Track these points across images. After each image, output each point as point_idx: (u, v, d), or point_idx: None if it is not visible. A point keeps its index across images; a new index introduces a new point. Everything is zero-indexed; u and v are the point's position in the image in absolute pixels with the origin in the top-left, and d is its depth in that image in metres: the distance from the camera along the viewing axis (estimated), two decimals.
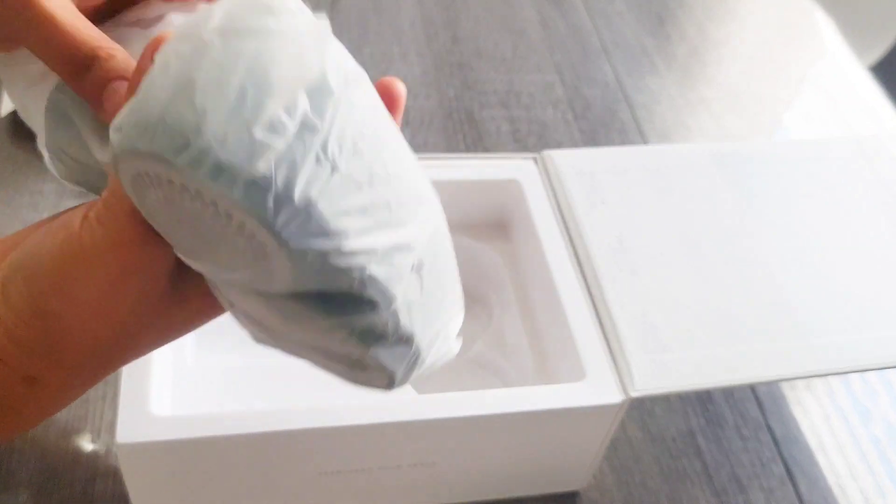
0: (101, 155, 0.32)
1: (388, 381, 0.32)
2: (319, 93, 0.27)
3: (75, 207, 0.30)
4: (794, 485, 0.55)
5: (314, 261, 0.26)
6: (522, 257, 0.56)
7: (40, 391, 0.30)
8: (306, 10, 0.29)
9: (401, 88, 0.34)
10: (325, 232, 0.26)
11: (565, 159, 0.57)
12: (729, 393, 0.59)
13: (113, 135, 0.26)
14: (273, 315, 0.30)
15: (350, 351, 0.30)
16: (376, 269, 0.27)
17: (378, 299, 0.28)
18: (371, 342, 0.30)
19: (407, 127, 0.74)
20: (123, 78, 0.31)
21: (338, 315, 0.29)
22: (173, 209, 0.26)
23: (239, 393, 0.48)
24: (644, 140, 0.76)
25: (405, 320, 0.30)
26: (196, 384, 0.48)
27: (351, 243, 0.26)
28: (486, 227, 0.58)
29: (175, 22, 0.34)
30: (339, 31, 0.82)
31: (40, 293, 0.29)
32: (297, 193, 0.25)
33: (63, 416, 0.52)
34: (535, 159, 0.57)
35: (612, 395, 0.45)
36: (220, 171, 0.25)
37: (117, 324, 0.30)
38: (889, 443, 0.59)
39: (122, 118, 0.26)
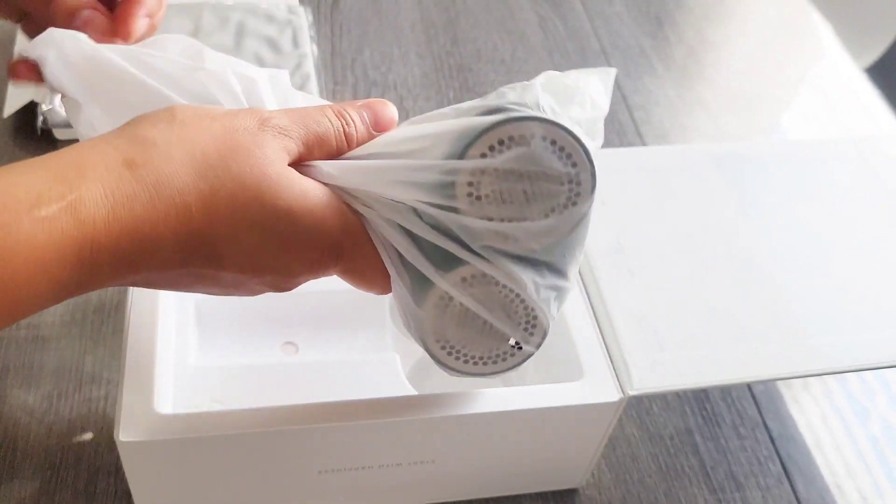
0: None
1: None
2: None
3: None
4: (791, 483, 0.55)
5: None
6: None
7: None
8: None
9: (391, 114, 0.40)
10: None
11: None
12: (726, 391, 0.60)
13: None
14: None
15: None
16: None
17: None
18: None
19: None
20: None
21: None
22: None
23: (240, 392, 0.49)
24: (642, 141, 0.77)
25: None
26: (198, 383, 0.48)
27: None
28: None
29: None
30: (340, 32, 0.83)
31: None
32: None
33: (66, 414, 0.52)
34: None
35: (609, 394, 0.46)
36: None
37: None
38: (886, 442, 0.59)
39: None
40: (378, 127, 0.38)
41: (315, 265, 0.36)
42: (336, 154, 0.37)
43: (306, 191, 0.35)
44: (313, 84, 0.74)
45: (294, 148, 0.36)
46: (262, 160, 0.34)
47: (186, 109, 0.35)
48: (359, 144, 0.38)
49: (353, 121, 0.38)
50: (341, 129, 0.37)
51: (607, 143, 0.76)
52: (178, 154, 0.33)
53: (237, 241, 0.34)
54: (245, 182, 0.33)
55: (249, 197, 0.33)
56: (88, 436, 0.51)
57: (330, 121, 0.37)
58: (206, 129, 0.34)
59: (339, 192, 0.37)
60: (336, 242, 0.36)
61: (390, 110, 0.39)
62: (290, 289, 0.38)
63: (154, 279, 0.34)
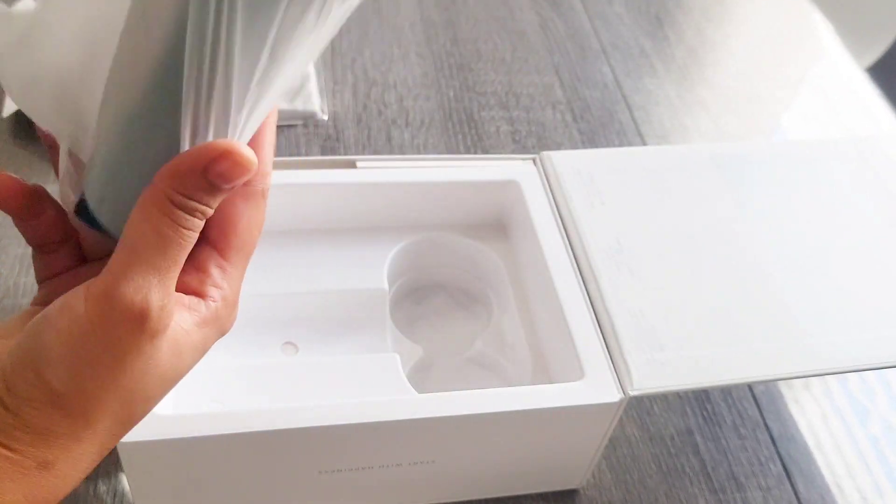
0: None
1: None
2: None
3: (71, 292, 0.30)
4: (792, 483, 0.55)
5: None
6: (522, 258, 0.56)
7: (55, 473, 0.31)
8: None
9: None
10: None
11: (564, 160, 0.57)
12: (727, 392, 0.60)
13: None
14: None
15: None
16: None
17: None
18: None
19: (407, 128, 0.74)
20: None
21: None
22: None
23: (240, 392, 0.49)
24: (643, 141, 0.77)
25: None
26: (197, 383, 0.48)
27: None
28: (486, 227, 0.59)
29: None
30: (340, 32, 0.83)
31: (56, 379, 0.30)
32: None
33: None
34: (534, 160, 0.58)
35: (610, 394, 0.46)
36: None
37: (137, 391, 0.31)
38: (887, 442, 0.59)
39: None
40: (237, 183, 0.31)
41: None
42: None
43: (197, 345, 0.33)
44: (313, 84, 0.74)
45: (172, 319, 0.31)
46: (156, 375, 0.31)
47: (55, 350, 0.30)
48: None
49: (206, 206, 0.31)
50: (199, 224, 0.31)
51: (607, 143, 0.76)
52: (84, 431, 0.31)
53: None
54: (150, 396, 0.32)
55: (156, 395, 0.32)
56: None
57: (189, 230, 0.31)
58: (92, 378, 0.30)
59: None
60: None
61: (245, 165, 0.30)
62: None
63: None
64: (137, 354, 0.30)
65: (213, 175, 0.30)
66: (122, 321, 0.30)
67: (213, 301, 0.33)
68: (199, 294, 0.33)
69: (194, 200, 0.31)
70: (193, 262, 0.33)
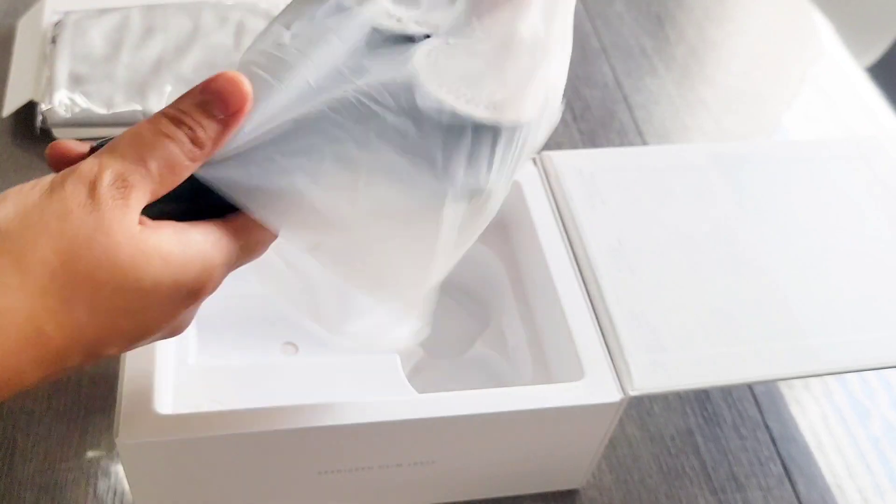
0: None
1: None
2: None
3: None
4: (793, 484, 0.55)
5: None
6: (522, 258, 0.56)
7: None
8: None
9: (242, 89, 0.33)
10: None
11: (565, 160, 0.57)
12: (727, 392, 0.59)
13: None
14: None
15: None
16: None
17: None
18: None
19: None
20: None
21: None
22: None
23: (239, 392, 0.49)
24: (643, 141, 0.77)
25: None
26: (197, 384, 0.48)
27: None
28: (486, 227, 0.58)
29: None
30: None
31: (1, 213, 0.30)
32: None
33: (66, 414, 0.52)
34: (534, 160, 0.58)
35: (610, 394, 0.46)
36: None
37: (79, 258, 0.31)
38: (887, 442, 0.59)
39: None
40: (230, 110, 0.32)
41: (196, 303, 0.34)
42: (192, 167, 0.32)
43: (165, 256, 0.31)
44: None
45: (143, 196, 0.31)
46: (108, 246, 0.30)
47: (9, 206, 0.30)
48: (216, 145, 0.32)
49: (196, 123, 0.32)
50: (186, 140, 0.31)
51: (608, 143, 0.76)
52: (12, 279, 0.29)
53: (109, 335, 0.31)
54: (98, 279, 0.30)
55: (108, 292, 0.30)
56: (88, 438, 0.51)
57: (170, 136, 0.31)
58: (34, 233, 0.29)
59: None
60: (212, 280, 0.33)
61: (239, 85, 0.32)
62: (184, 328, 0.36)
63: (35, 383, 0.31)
64: (82, 219, 0.30)
65: (208, 92, 0.32)
66: (76, 182, 0.30)
67: (198, 235, 0.33)
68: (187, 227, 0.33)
69: (183, 112, 0.32)
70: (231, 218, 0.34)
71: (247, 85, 0.32)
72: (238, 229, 0.34)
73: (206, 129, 0.32)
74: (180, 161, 0.32)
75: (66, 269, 0.29)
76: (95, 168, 0.31)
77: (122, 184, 0.31)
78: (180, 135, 0.32)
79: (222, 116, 0.32)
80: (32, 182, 0.31)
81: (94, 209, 0.30)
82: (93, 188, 0.30)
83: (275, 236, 0.36)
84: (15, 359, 0.29)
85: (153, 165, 0.31)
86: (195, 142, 0.32)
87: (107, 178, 0.30)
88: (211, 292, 0.34)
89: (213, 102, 0.32)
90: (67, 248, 0.30)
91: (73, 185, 0.30)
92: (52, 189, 0.30)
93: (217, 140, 0.32)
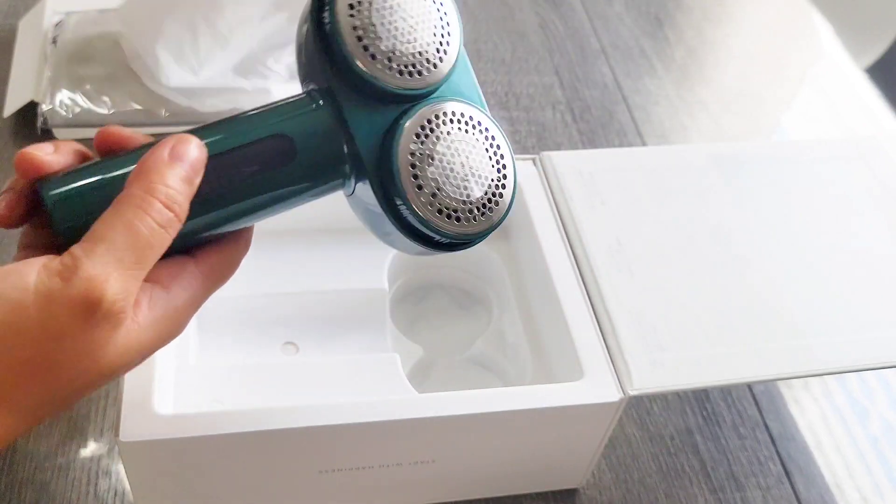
0: None
1: None
2: None
3: (27, 261, 0.30)
4: (792, 483, 0.55)
5: None
6: (522, 258, 0.56)
7: None
8: None
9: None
10: None
11: (564, 160, 0.57)
12: (726, 391, 0.60)
13: None
14: None
15: None
16: None
17: None
18: None
19: None
20: None
21: None
22: None
23: (240, 392, 0.49)
24: (642, 141, 0.77)
25: None
26: (198, 383, 0.48)
27: None
28: None
29: None
30: None
31: None
32: None
33: (66, 414, 0.52)
34: (534, 160, 0.58)
35: (610, 394, 0.46)
36: None
37: (68, 377, 0.31)
38: (886, 442, 0.59)
39: None
40: (194, 173, 0.32)
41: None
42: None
43: (154, 327, 0.32)
44: None
45: (132, 311, 0.31)
46: (93, 364, 0.30)
47: None
48: (184, 212, 0.32)
49: (175, 198, 0.31)
50: (176, 224, 0.31)
51: (607, 143, 0.76)
52: None
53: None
54: (77, 387, 0.30)
55: (73, 388, 0.30)
56: (89, 437, 0.51)
57: (164, 227, 0.31)
58: (15, 358, 0.29)
59: None
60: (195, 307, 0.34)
61: (194, 147, 0.32)
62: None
63: None
64: (76, 340, 0.29)
65: (175, 154, 0.31)
66: (72, 304, 0.29)
67: (176, 298, 0.33)
68: (165, 285, 0.32)
69: (168, 187, 0.31)
70: (169, 259, 0.33)
71: (200, 147, 0.33)
72: (209, 271, 0.35)
73: (183, 196, 0.32)
74: (167, 242, 0.32)
75: (46, 393, 0.30)
76: (93, 291, 0.29)
77: (124, 303, 0.30)
78: (166, 217, 0.31)
79: (188, 179, 0.32)
80: (12, 295, 0.29)
81: (87, 336, 0.29)
82: (88, 315, 0.29)
83: (245, 254, 0.37)
84: None
85: (149, 257, 0.31)
86: (178, 216, 0.32)
87: (107, 298, 0.29)
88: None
89: (183, 169, 0.32)
90: (48, 371, 0.29)
91: (67, 309, 0.29)
92: (40, 309, 0.29)
93: (182, 210, 0.32)
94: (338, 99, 0.35)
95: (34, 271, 0.29)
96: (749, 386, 0.60)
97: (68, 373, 0.30)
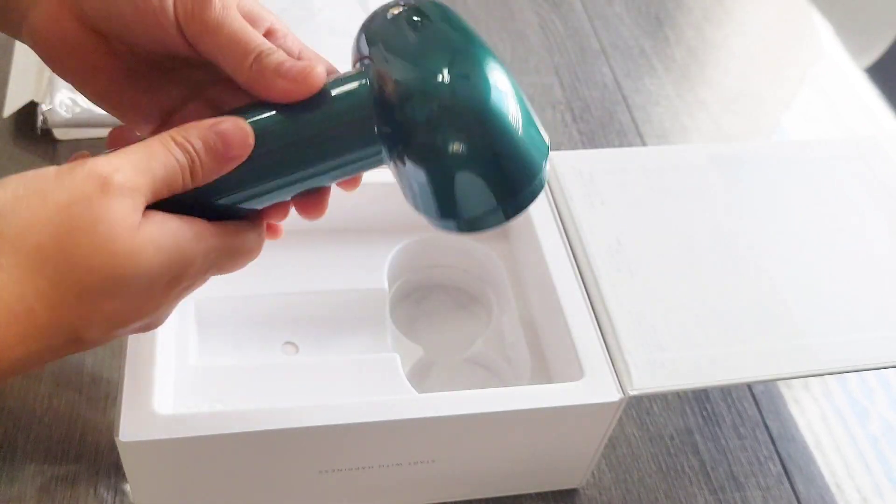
0: None
1: None
2: None
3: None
4: (791, 483, 0.55)
5: None
6: (521, 257, 0.56)
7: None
8: None
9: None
10: None
11: (564, 160, 0.57)
12: (726, 391, 0.60)
13: None
14: None
15: None
16: None
17: None
18: None
19: None
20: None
21: None
22: None
23: (239, 392, 0.49)
24: (642, 141, 0.77)
25: None
26: (197, 383, 0.48)
27: None
28: None
29: None
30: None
31: None
32: None
33: (66, 414, 0.52)
34: None
35: (610, 394, 0.46)
36: None
37: (77, 244, 0.33)
38: (886, 441, 0.59)
39: None
40: (229, 153, 0.35)
41: (174, 292, 0.35)
42: (181, 191, 0.35)
43: (158, 245, 0.33)
44: None
45: (142, 200, 0.33)
46: (107, 237, 0.31)
47: (8, 190, 0.31)
48: (205, 179, 0.35)
49: (197, 154, 0.35)
50: (187, 166, 0.34)
51: (607, 143, 0.76)
52: (7, 259, 0.30)
53: (93, 319, 0.33)
54: (92, 266, 0.31)
55: (99, 279, 0.32)
56: (89, 437, 0.51)
57: (176, 159, 0.34)
58: (35, 215, 0.31)
59: None
60: (190, 268, 0.35)
61: (243, 135, 0.36)
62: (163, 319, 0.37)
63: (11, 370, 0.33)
64: (88, 208, 0.31)
65: (215, 131, 0.35)
66: (89, 174, 0.32)
67: (184, 238, 0.35)
68: (179, 221, 0.35)
69: (189, 142, 0.34)
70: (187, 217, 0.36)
71: (251, 137, 0.35)
72: (222, 232, 0.36)
73: (203, 164, 0.35)
74: (177, 182, 0.34)
75: (61, 255, 0.31)
76: (108, 166, 0.32)
77: (132, 184, 0.32)
78: (183, 160, 0.34)
79: (221, 157, 0.35)
80: (34, 171, 0.32)
81: (100, 201, 0.31)
82: (106, 182, 0.32)
83: (260, 248, 0.39)
84: (1, 332, 0.31)
85: (158, 176, 0.34)
86: (192, 172, 0.35)
87: (119, 176, 0.32)
88: (189, 284, 0.36)
89: (216, 142, 0.35)
90: (66, 236, 0.31)
91: (86, 176, 0.32)
92: (60, 177, 0.32)
93: (208, 176, 0.35)
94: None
95: (52, 168, 0.32)
96: (749, 386, 0.60)
97: (87, 241, 0.31)
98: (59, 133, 0.66)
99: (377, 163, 0.38)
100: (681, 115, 0.80)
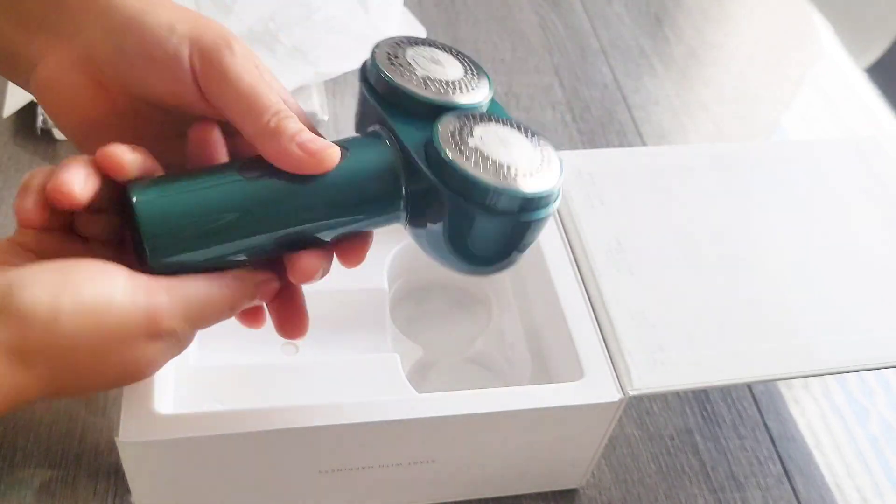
0: None
1: None
2: None
3: (108, 264, 0.34)
4: (791, 483, 0.55)
5: None
6: (521, 257, 0.56)
7: None
8: None
9: None
10: None
11: (564, 160, 0.57)
12: (726, 391, 0.60)
13: None
14: None
15: None
16: None
17: None
18: None
19: None
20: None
21: None
22: None
23: (240, 392, 0.49)
24: (642, 141, 0.77)
25: None
26: (198, 383, 0.48)
27: None
28: None
29: None
30: None
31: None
32: None
33: (66, 415, 0.52)
34: None
35: (610, 394, 0.46)
36: None
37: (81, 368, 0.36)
38: (886, 441, 0.59)
39: None
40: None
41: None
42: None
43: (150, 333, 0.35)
44: (313, 85, 0.74)
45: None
46: (131, 362, 0.35)
47: (66, 301, 0.32)
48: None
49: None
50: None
51: (607, 143, 0.76)
52: (41, 367, 0.33)
53: (69, 388, 0.35)
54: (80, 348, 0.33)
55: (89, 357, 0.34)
56: (89, 437, 0.51)
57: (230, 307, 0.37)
58: (86, 336, 0.33)
59: None
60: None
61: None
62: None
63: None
64: (121, 347, 0.34)
65: (261, 293, 0.39)
66: (142, 325, 0.33)
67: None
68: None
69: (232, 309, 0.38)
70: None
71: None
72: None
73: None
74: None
75: (87, 361, 0.34)
76: (164, 316, 0.35)
77: (175, 341, 0.37)
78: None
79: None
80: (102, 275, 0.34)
81: (145, 345, 0.35)
82: (153, 333, 0.35)
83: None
84: None
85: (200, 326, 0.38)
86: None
87: (167, 325, 0.35)
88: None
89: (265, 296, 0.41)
90: (100, 354, 0.34)
91: (141, 319, 0.34)
92: (118, 311, 0.34)
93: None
94: (388, 123, 0.39)
95: (121, 279, 0.33)
96: (749, 386, 0.60)
97: (113, 367, 0.34)
98: (59, 133, 0.66)
99: (388, 222, 0.41)
100: (680, 115, 0.80)
